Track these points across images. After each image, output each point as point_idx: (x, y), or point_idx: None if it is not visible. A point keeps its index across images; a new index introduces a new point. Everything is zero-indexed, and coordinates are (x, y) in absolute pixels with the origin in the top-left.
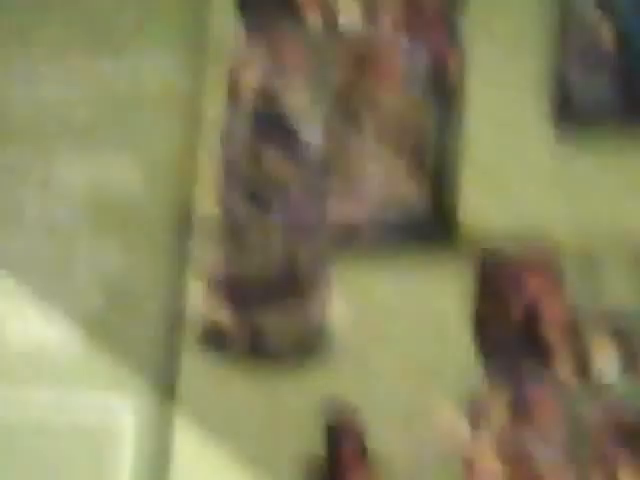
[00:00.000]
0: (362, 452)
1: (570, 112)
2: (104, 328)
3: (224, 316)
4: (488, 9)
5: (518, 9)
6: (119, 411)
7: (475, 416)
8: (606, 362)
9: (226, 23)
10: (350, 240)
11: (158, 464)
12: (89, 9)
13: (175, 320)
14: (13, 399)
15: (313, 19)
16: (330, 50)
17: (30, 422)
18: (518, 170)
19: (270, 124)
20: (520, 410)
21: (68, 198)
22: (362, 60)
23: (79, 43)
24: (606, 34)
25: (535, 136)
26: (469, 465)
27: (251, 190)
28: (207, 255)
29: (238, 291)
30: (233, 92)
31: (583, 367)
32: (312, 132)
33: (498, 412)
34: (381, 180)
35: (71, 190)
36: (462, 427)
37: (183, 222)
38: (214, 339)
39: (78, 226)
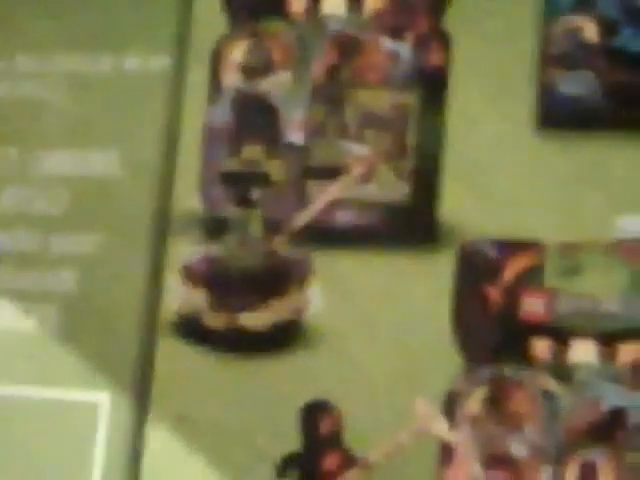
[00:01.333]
0: (338, 437)
1: (553, 113)
2: (79, 319)
3: (202, 308)
4: (474, 5)
5: (504, 6)
6: (92, 401)
7: (452, 411)
8: (585, 358)
9: (210, 14)
10: (330, 236)
11: (131, 456)
12: (70, 5)
13: (152, 313)
14: None
15: (296, 8)
16: (313, 41)
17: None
18: (500, 170)
19: (252, 116)
20: (497, 405)
21: (46, 192)
22: (344, 53)
23: (58, 38)
24: (590, 35)
25: (517, 136)
26: (446, 460)
27: (232, 184)
28: (186, 248)
29: (217, 284)
30: (215, 85)
31: (562, 362)
32: (294, 126)
33: (476, 407)
34: (362, 176)
35: (49, 184)
36: (439, 422)
37: (162, 215)
38: (191, 331)
39: (55, 219)
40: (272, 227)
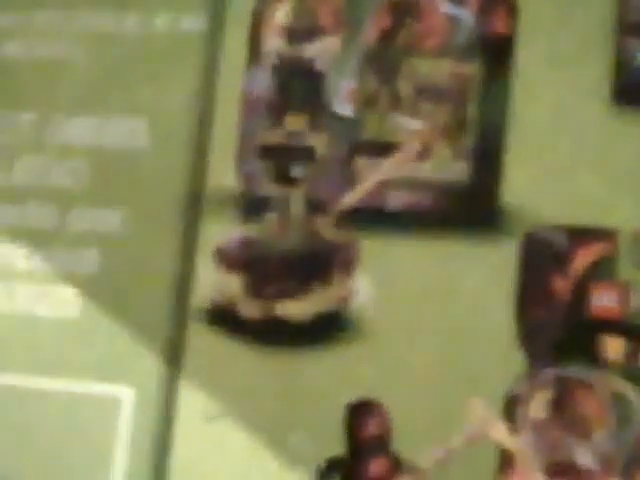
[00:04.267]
0: (385, 441)
1: (629, 87)
2: (104, 300)
3: (236, 296)
4: None
5: None
6: (115, 395)
7: (513, 414)
8: None
9: None
10: (380, 219)
11: (156, 456)
12: None
13: (183, 296)
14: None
15: None
16: (365, 3)
17: (19, 402)
18: (569, 150)
19: (296, 84)
20: (563, 409)
21: (65, 163)
22: (399, 17)
23: None
24: None
25: (589, 112)
26: (505, 468)
27: (272, 159)
28: (220, 228)
29: (253, 269)
30: (255, 49)
31: (635, 363)
32: (342, 96)
33: (539, 410)
34: (417, 154)
35: (69, 154)
36: (498, 426)
37: (195, 192)
38: (225, 320)
39: (76, 193)
40: (316, 207)
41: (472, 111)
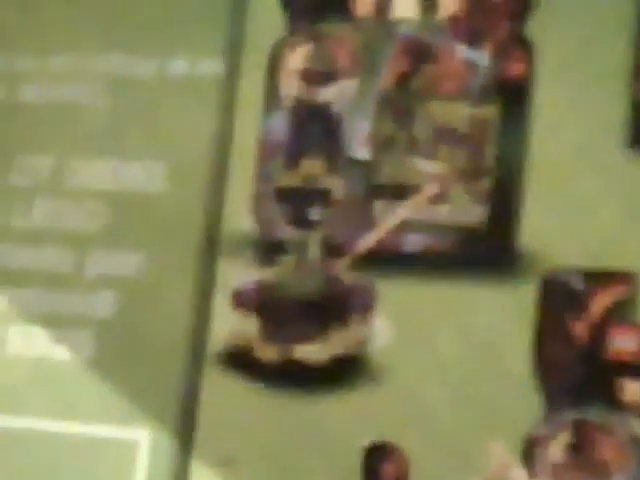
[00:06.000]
0: None
1: None
2: (120, 342)
3: (253, 338)
4: (559, 9)
5: (592, 13)
6: (130, 438)
7: (532, 457)
8: None
9: (266, 14)
10: (398, 261)
11: None
12: (110, 3)
13: (199, 338)
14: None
15: (363, 10)
16: (381, 47)
17: (35, 445)
18: (587, 193)
19: (313, 128)
20: (582, 452)
21: (82, 205)
22: (416, 60)
23: (97, 36)
24: None
25: (606, 157)
26: None
27: (288, 202)
28: (236, 271)
29: (270, 312)
30: (271, 92)
31: None
32: (359, 139)
33: (558, 454)
34: (434, 197)
35: (86, 197)
36: (517, 469)
37: (211, 234)
38: (241, 363)
39: (93, 236)
40: (333, 250)
41: (489, 154)
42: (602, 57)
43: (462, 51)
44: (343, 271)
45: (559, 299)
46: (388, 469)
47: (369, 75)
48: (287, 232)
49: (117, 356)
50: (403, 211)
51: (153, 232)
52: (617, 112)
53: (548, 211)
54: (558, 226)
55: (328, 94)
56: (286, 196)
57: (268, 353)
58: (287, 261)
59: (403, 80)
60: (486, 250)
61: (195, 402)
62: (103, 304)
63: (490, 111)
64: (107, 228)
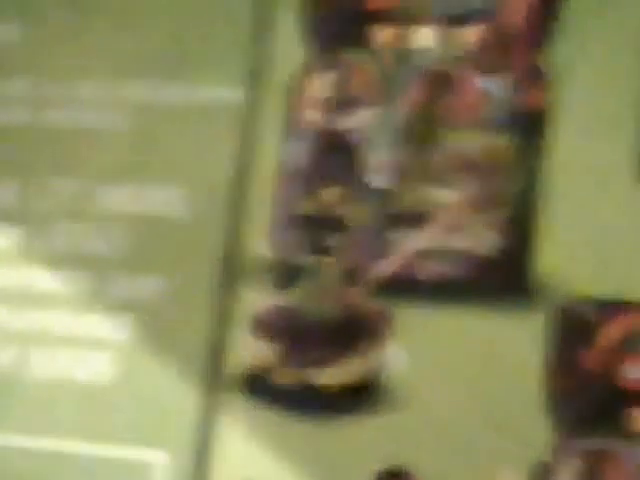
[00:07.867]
0: None
1: None
2: (139, 365)
3: (270, 363)
4: (577, 41)
5: (610, 46)
6: (147, 460)
7: None
8: None
9: (287, 44)
10: (414, 289)
11: None
12: (134, 31)
13: (217, 363)
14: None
15: (383, 40)
16: (400, 76)
17: (54, 467)
18: (601, 223)
19: (331, 156)
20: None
21: (103, 230)
22: (434, 90)
23: (122, 64)
24: None
25: (621, 188)
26: None
27: (306, 229)
28: (254, 297)
29: (287, 337)
30: (291, 120)
31: None
32: (377, 168)
33: None
34: (450, 225)
35: (107, 221)
36: None
37: (231, 260)
38: (258, 388)
39: (113, 260)
40: (349, 277)
41: (505, 184)
42: (620, 89)
43: (480, 81)
44: (360, 298)
45: (572, 328)
46: None
47: (388, 104)
48: (305, 259)
49: (136, 379)
50: (419, 239)
51: (173, 257)
52: (634, 144)
53: (563, 241)
54: (572, 256)
55: (348, 123)
56: (304, 223)
57: (285, 378)
58: (304, 287)
59: (422, 110)
60: (500, 279)
61: (212, 425)
62: (123, 327)
63: (507, 141)
64: (128, 252)
